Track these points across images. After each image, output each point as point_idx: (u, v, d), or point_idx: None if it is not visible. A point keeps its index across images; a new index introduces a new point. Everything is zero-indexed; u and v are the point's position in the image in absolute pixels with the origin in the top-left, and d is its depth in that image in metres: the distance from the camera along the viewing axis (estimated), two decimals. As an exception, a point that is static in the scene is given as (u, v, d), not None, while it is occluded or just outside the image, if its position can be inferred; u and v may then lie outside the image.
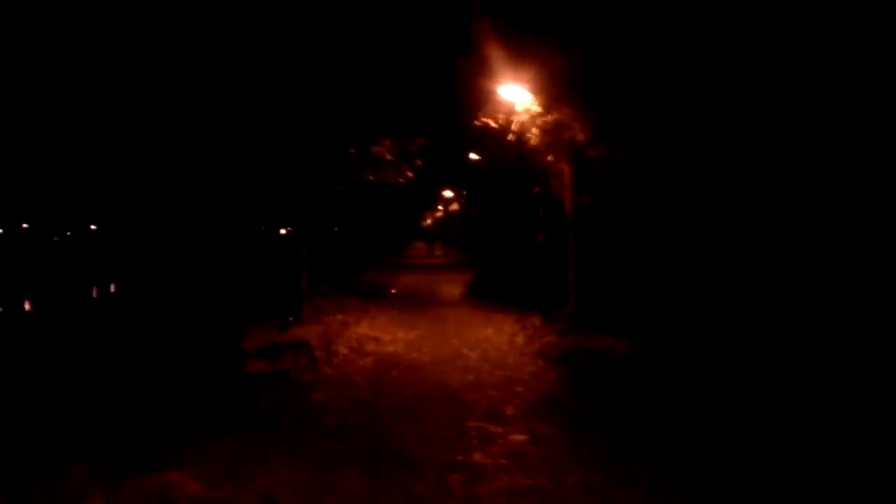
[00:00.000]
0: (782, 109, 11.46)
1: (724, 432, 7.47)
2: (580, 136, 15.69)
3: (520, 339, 14.27)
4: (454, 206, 59.66)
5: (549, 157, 16.35)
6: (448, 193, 58.25)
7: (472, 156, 22.32)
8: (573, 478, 6.43)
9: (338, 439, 7.61)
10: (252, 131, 13.44)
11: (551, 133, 16.07)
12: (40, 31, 7.38)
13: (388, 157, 14.83)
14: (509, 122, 15.88)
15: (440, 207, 72.14)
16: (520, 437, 7.63)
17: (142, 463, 6.61)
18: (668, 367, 10.79)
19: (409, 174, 15.49)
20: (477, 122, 16.07)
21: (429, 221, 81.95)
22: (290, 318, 14.00)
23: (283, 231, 22.17)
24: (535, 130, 16.10)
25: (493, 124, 15.85)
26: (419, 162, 15.41)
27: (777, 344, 10.43)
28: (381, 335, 14.87)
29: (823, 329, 9.96)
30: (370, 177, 15.00)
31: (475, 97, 16.43)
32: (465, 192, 45.60)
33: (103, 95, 8.27)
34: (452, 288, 24.96)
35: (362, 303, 20.02)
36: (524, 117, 15.62)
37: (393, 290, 24.75)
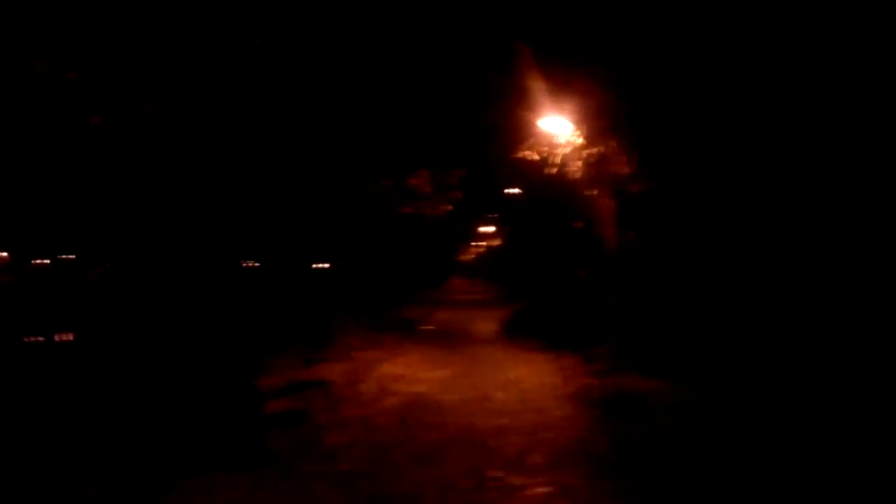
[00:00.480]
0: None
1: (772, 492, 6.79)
2: (624, 170, 15.16)
3: (556, 381, 13.62)
4: (496, 242, 59.18)
5: (592, 191, 15.81)
6: (489, 229, 57.83)
7: (510, 190, 21.89)
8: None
9: (347, 486, 7.07)
10: (281, 156, 13.23)
11: (594, 166, 15.57)
12: (48, 44, 7.13)
13: (426, 188, 14.44)
14: (550, 155, 15.39)
15: (482, 243, 71.78)
16: (544, 490, 7.01)
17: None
18: (712, 414, 10.11)
19: (447, 207, 15.07)
20: (517, 155, 15.61)
21: (471, 256, 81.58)
22: (316, 355, 13.54)
23: (318, 265, 21.90)
24: (577, 163, 15.61)
25: (533, 157, 15.38)
26: (457, 194, 14.98)
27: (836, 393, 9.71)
28: (411, 373, 14.33)
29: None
30: (407, 209, 14.60)
31: (515, 129, 16.01)
32: (507, 228, 45.13)
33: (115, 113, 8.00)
34: (488, 325, 24.36)
35: (396, 339, 19.52)
36: (566, 150, 15.13)
37: (429, 326, 24.23)
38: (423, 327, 23.88)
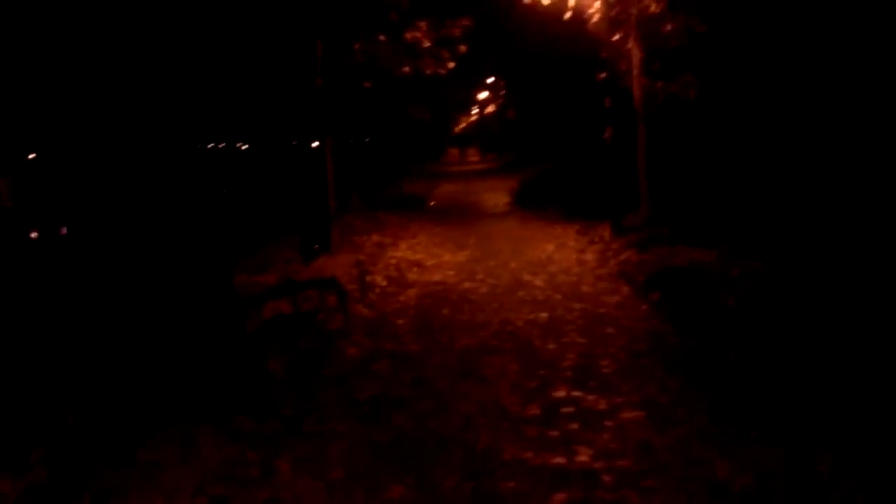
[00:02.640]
0: None
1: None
2: (652, 8, 12.96)
3: (590, 257, 11.94)
4: (490, 108, 56.73)
5: (615, 37, 13.64)
6: (482, 95, 55.30)
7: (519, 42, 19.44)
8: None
9: (377, 427, 5.40)
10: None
11: (616, 5, 13.39)
12: None
13: (426, 43, 12.25)
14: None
15: (475, 110, 69.24)
16: (634, 415, 5.36)
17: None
18: (785, 288, 8.44)
19: (451, 64, 12.89)
20: (526, 1, 13.30)
21: (462, 125, 79.07)
22: (316, 246, 11.75)
23: (311, 144, 19.88)
24: (596, 4, 13.38)
25: (544, 1, 13.08)
26: (462, 48, 12.78)
27: None
28: (424, 258, 12.63)
29: None
30: (405, 69, 12.44)
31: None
32: (502, 92, 42.62)
33: None
34: (497, 196, 22.52)
35: (400, 218, 17.76)
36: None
37: (432, 203, 22.42)
38: (428, 203, 22.08)
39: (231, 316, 6.30)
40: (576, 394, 5.83)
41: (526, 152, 32.03)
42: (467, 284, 10.29)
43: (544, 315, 8.30)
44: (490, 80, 45.49)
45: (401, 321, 8.55)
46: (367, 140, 26.95)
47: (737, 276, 9.26)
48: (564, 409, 5.51)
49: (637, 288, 9.44)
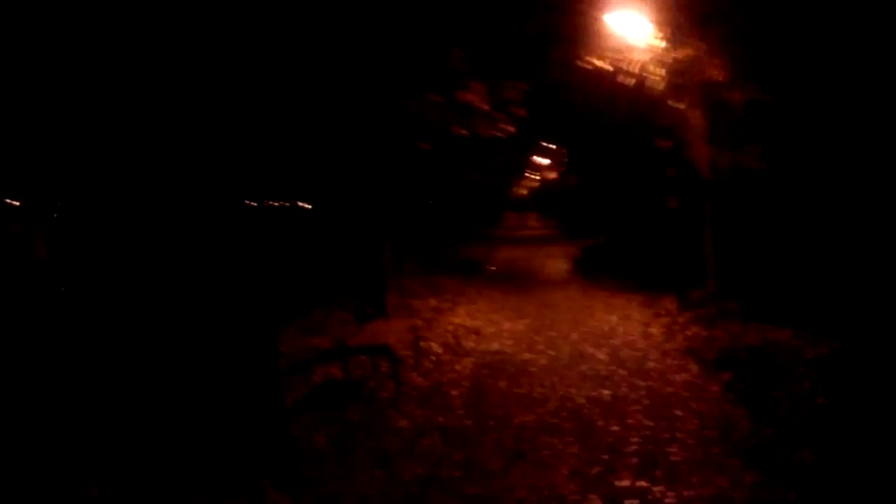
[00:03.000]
0: None
1: None
2: (718, 76, 12.58)
3: (655, 330, 11.41)
4: (550, 174, 56.56)
5: (679, 103, 13.28)
6: (543, 161, 55.18)
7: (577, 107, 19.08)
8: None
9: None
10: (300, 64, 11.02)
11: (680, 73, 13.05)
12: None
13: (482, 105, 12.04)
14: (625, 62, 12.85)
15: (535, 176, 69.15)
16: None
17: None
18: (873, 373, 7.82)
19: (509, 127, 12.66)
20: (583, 64, 13.02)
21: (524, 191, 78.98)
22: (370, 309, 11.47)
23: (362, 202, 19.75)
24: (659, 70, 13.07)
25: (603, 66, 12.77)
26: (520, 112, 12.54)
27: None
28: (482, 325, 12.25)
29: None
30: (461, 130, 12.24)
31: (580, 33, 13.42)
32: (564, 157, 42.38)
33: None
34: (557, 263, 22.10)
35: (457, 283, 17.44)
36: (644, 55, 12.60)
37: (492, 268, 22.08)
38: (486, 267, 21.75)
39: (270, 384, 5.97)
40: (641, 484, 5.35)
41: (586, 219, 31.58)
42: (526, 355, 9.85)
43: (607, 392, 7.82)
44: (550, 145, 45.37)
45: (455, 392, 8.15)
46: (425, 203, 26.83)
47: (813, 358, 8.68)
48: (628, 502, 5.03)
49: (706, 367, 8.89)
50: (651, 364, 9.16)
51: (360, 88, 11.25)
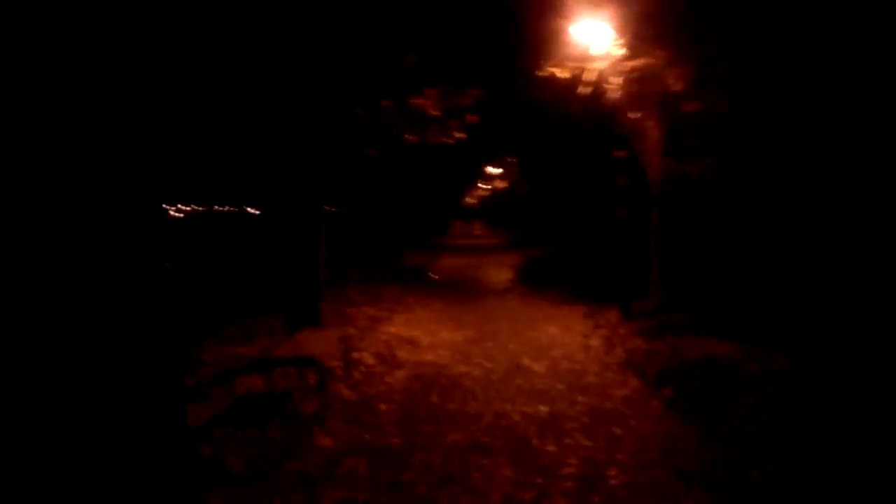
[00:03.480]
0: None
1: None
2: (676, 86, 12.37)
3: (596, 343, 11.08)
4: (500, 184, 56.48)
5: (635, 114, 13.04)
6: (493, 170, 55.05)
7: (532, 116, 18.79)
8: None
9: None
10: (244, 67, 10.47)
11: (638, 82, 12.80)
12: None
13: (434, 111, 11.63)
14: (584, 71, 12.54)
15: (485, 186, 69.01)
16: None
17: None
18: (821, 391, 7.58)
19: (459, 134, 12.26)
20: (541, 73, 12.66)
21: (473, 201, 78.86)
22: (300, 319, 10.91)
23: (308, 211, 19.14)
24: (617, 80, 12.79)
25: (560, 74, 12.44)
26: (471, 118, 12.15)
27: None
28: (418, 335, 11.79)
29: None
30: (411, 137, 11.82)
31: (539, 40, 13.08)
32: (514, 166, 42.23)
33: None
34: (501, 272, 21.75)
35: (398, 291, 16.96)
36: (604, 63, 12.31)
37: (435, 276, 21.65)
38: (428, 276, 21.30)
39: (172, 401, 5.42)
40: (576, 511, 4.95)
41: (533, 229, 31.39)
42: (462, 367, 9.42)
43: (544, 409, 7.42)
44: (501, 154, 45.20)
45: (384, 407, 7.68)
46: (372, 209, 26.35)
47: (758, 373, 8.43)
48: (563, 533, 4.63)
49: (647, 381, 8.57)
50: (590, 378, 8.80)
51: (309, 91, 10.77)
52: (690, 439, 6.39)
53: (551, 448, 6.23)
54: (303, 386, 8.39)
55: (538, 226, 30.31)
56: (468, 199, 74.03)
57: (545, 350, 10.53)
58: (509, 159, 42.14)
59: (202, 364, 9.68)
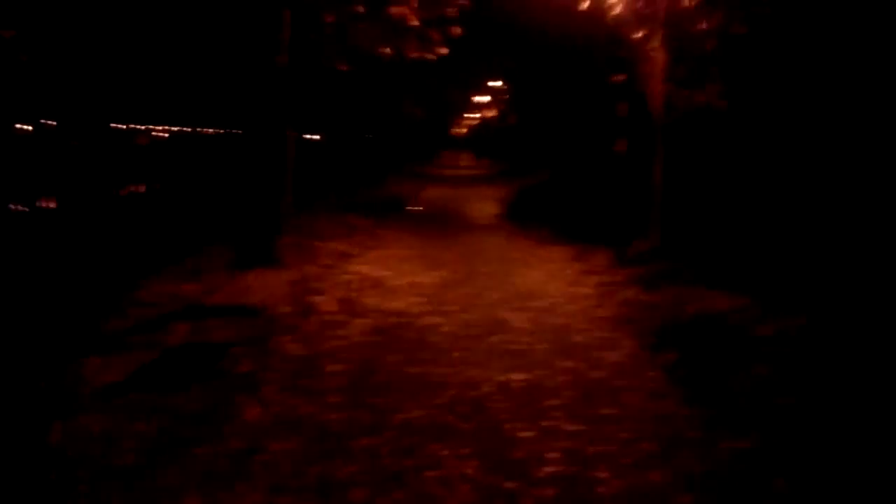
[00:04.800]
0: None
1: None
2: (685, 2, 10.98)
3: (585, 291, 9.90)
4: (491, 112, 54.85)
5: (637, 34, 11.61)
6: (484, 98, 53.41)
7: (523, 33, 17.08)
8: None
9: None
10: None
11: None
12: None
13: (413, 21, 10.17)
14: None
15: (476, 115, 67.31)
16: None
17: None
18: (838, 351, 6.47)
19: (442, 50, 10.80)
20: None
21: (462, 130, 77.12)
22: (251, 252, 9.61)
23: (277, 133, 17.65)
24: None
25: None
26: (456, 30, 10.67)
27: None
28: (388, 277, 10.59)
29: None
30: (385, 49, 10.38)
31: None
32: (505, 92, 40.57)
33: None
34: (487, 206, 20.46)
35: (374, 224, 15.72)
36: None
37: (417, 207, 20.34)
38: (409, 208, 19.99)
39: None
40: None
41: (524, 161, 29.96)
42: (432, 318, 8.21)
43: (521, 378, 6.21)
44: (494, 83, 43.52)
45: (333, 368, 6.47)
46: (352, 136, 24.87)
47: (773, 335, 7.27)
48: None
49: (644, 343, 7.39)
50: (577, 337, 7.60)
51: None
52: (697, 428, 5.21)
53: (526, 434, 5.04)
54: (244, 337, 7.21)
55: (528, 157, 28.88)
56: (456, 129, 72.40)
57: (528, 299, 9.34)
58: (498, 84, 40.45)
59: (137, 304, 8.46)
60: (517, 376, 6.23)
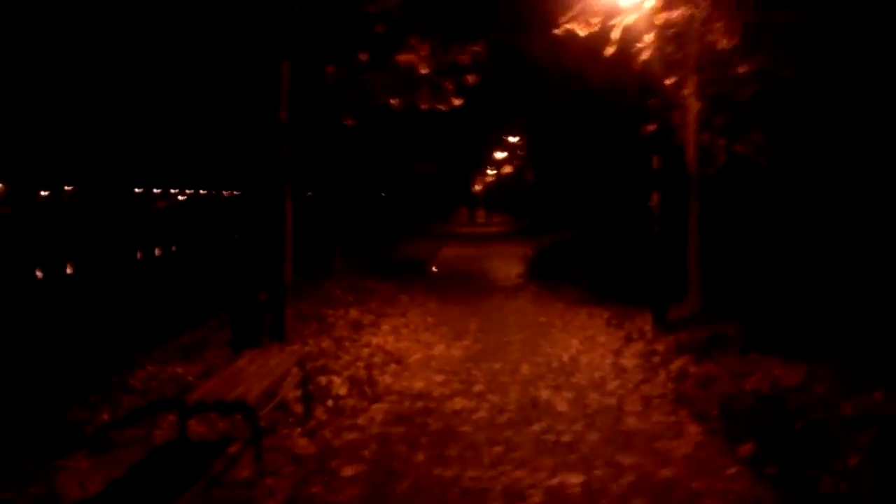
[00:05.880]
0: None
1: None
2: (721, 43, 10.02)
3: (630, 362, 8.82)
4: (507, 169, 54.29)
5: (670, 79, 10.69)
6: (500, 154, 52.96)
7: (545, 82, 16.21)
8: None
9: None
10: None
11: (674, 40, 10.52)
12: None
13: (424, 69, 9.29)
14: (608, 27, 10.15)
15: (491, 171, 66.89)
16: None
17: None
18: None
19: (456, 101, 9.88)
20: (558, 32, 10.19)
21: (477, 186, 76.65)
22: (254, 328, 8.59)
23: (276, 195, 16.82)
24: (648, 37, 10.47)
25: (581, 32, 9.99)
26: (470, 79, 9.75)
27: None
28: (407, 349, 9.58)
29: None
30: (393, 98, 9.49)
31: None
32: (521, 152, 39.97)
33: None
34: (509, 266, 19.43)
35: (390, 287, 14.72)
36: (632, 17, 10.02)
37: (433, 269, 19.38)
38: (426, 269, 19.02)
39: None
40: None
41: (544, 217, 29.00)
42: (460, 402, 7.15)
43: (577, 481, 5.14)
44: (510, 138, 42.97)
45: (349, 471, 5.43)
46: (367, 195, 24.11)
47: (855, 414, 6.20)
48: None
49: (711, 428, 6.30)
50: (632, 421, 6.53)
51: (274, 46, 8.55)
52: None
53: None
54: (243, 431, 6.20)
55: (549, 213, 27.95)
56: (475, 186, 71.94)
57: (566, 373, 8.28)
58: (515, 140, 39.80)
59: (127, 391, 7.51)
60: (572, 479, 5.15)
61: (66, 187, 66.88)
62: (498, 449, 5.79)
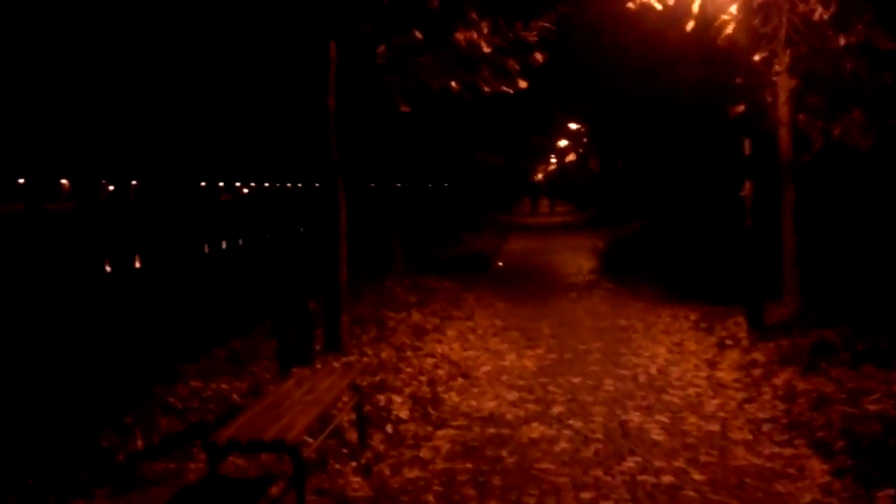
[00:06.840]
0: None
1: None
2: (818, 13, 8.87)
3: (727, 375, 7.78)
4: (570, 157, 52.98)
5: (758, 55, 9.55)
6: (563, 142, 51.69)
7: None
8: None
9: None
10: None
11: (763, 11, 9.42)
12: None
13: (485, 48, 8.33)
14: (687, 1, 9.07)
15: (553, 159, 65.58)
16: None
17: None
18: None
19: (522, 83, 8.87)
20: (632, 5, 9.12)
21: (539, 175, 75.41)
22: (305, 339, 7.77)
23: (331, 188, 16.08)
24: (732, 9, 9.38)
25: (657, 4, 8.91)
26: (539, 58, 8.71)
27: None
28: (475, 358, 8.74)
29: None
30: (449, 80, 8.57)
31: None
32: (583, 136, 38.65)
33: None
34: (579, 259, 18.36)
35: (454, 286, 13.88)
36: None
37: (499, 264, 18.45)
38: (491, 266, 18.10)
39: None
40: None
41: (611, 206, 27.78)
42: (537, 429, 6.21)
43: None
44: (571, 125, 41.68)
45: (409, 522, 4.58)
46: (428, 186, 23.32)
47: None
48: None
49: (837, 467, 5.24)
50: (741, 454, 5.52)
51: (320, 26, 7.78)
52: None
53: None
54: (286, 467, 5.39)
55: (617, 202, 26.70)
56: (538, 175, 70.76)
57: (656, 390, 7.29)
58: (576, 126, 38.47)
59: (165, 411, 6.81)
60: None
61: (132, 182, 67.95)
62: (586, 496, 4.85)
